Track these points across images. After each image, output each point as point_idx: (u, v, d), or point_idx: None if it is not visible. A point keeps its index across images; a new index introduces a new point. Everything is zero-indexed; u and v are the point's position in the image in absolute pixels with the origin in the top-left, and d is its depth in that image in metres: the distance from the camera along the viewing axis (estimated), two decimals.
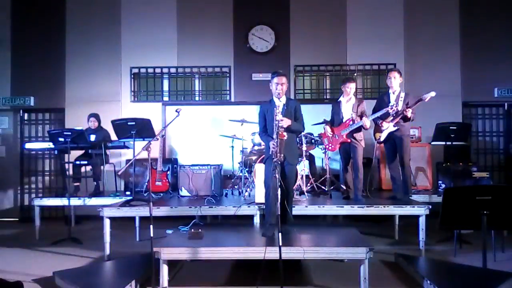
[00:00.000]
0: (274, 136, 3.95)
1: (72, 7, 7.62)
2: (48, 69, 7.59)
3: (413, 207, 4.75)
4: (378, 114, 5.17)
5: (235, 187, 6.16)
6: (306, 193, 5.53)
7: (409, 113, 4.97)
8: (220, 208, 4.93)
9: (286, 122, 4.00)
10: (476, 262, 3.87)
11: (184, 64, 7.53)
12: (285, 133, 3.93)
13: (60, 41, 7.59)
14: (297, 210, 4.70)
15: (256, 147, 6.02)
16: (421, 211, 4.66)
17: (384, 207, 4.81)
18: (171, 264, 3.88)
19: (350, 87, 5.22)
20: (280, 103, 4.16)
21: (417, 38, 7.36)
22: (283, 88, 4.17)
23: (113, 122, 5.44)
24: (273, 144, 3.92)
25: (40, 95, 7.58)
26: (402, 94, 5.21)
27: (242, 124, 6.20)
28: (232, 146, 6.30)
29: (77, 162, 6.38)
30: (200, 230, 4.23)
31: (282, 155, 3.77)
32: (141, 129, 5.32)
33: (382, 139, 5.31)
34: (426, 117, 6.33)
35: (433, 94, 4.90)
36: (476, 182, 5.86)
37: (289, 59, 7.45)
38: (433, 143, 5.96)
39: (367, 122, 5.02)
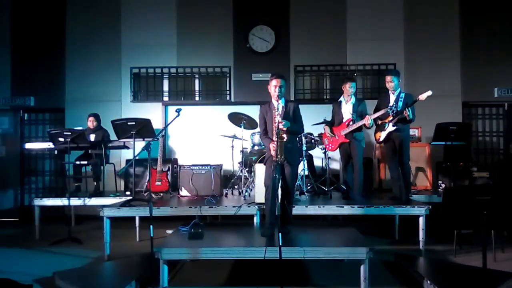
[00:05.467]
0: (274, 138, 3.97)
1: (72, 7, 7.62)
2: (48, 69, 7.60)
3: (413, 207, 4.74)
4: (378, 114, 5.17)
5: (235, 187, 6.16)
6: (306, 193, 5.53)
7: (409, 114, 4.95)
8: (220, 208, 4.93)
9: (285, 125, 4.00)
10: (476, 262, 3.88)
11: (184, 64, 7.53)
12: (284, 135, 3.94)
13: (60, 41, 7.59)
14: (297, 210, 4.69)
15: (256, 147, 6.02)
16: (421, 211, 4.65)
17: (384, 207, 4.81)
18: (171, 264, 3.88)
19: (351, 87, 5.21)
20: (278, 105, 4.17)
21: (417, 38, 7.36)
22: (282, 90, 4.17)
23: (113, 122, 5.44)
24: (273, 146, 3.93)
25: (40, 95, 7.58)
26: (402, 95, 5.20)
27: (242, 124, 6.19)
28: (232, 146, 6.29)
29: (77, 162, 6.39)
30: (200, 230, 4.23)
31: (282, 156, 3.77)
32: (141, 129, 5.32)
33: (382, 139, 5.31)
34: (426, 117, 6.33)
35: (429, 93, 4.90)
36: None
37: (289, 59, 7.45)
38: (433, 143, 5.96)
39: (368, 121, 5.01)
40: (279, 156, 3.74)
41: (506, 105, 7.42)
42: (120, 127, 5.39)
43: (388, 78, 5.20)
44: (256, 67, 7.42)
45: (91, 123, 6.47)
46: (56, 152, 6.40)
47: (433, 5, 7.37)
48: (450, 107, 7.14)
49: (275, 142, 3.90)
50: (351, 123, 5.13)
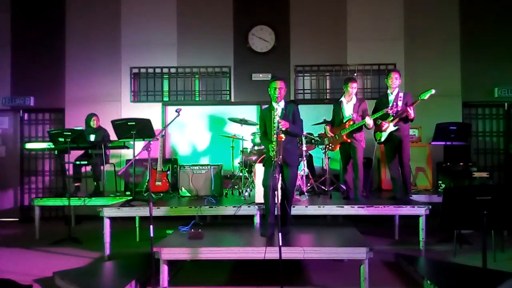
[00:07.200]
0: (273, 139, 3.98)
1: (72, 7, 7.63)
2: (48, 69, 7.60)
3: (413, 207, 4.74)
4: (378, 114, 5.17)
5: (235, 187, 6.16)
6: (306, 193, 5.53)
7: (411, 112, 4.97)
8: (220, 208, 4.93)
9: (285, 125, 4.02)
10: (476, 262, 3.87)
11: (184, 64, 7.53)
12: (283, 135, 3.96)
13: (60, 41, 7.60)
14: (297, 210, 4.70)
15: (256, 147, 6.02)
16: (421, 211, 4.65)
17: (384, 207, 4.81)
18: (171, 264, 3.88)
19: (352, 87, 5.20)
20: (278, 107, 4.19)
21: (417, 38, 7.37)
22: (281, 92, 4.19)
23: (113, 122, 5.44)
24: (272, 146, 3.96)
25: (40, 95, 7.58)
26: (401, 94, 5.21)
27: (242, 124, 6.20)
28: (232, 146, 6.30)
29: (77, 162, 6.39)
30: (200, 230, 4.23)
31: (281, 157, 3.78)
32: (141, 129, 5.32)
33: (382, 139, 5.31)
34: (426, 117, 6.34)
35: (432, 91, 4.91)
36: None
37: (289, 59, 7.46)
38: (433, 143, 5.96)
39: (369, 121, 5.02)
40: (278, 157, 3.75)
41: (506, 105, 7.42)
42: (120, 127, 5.38)
43: (396, 75, 5.21)
44: (256, 67, 7.42)
45: (94, 122, 6.48)
46: (56, 152, 6.40)
47: (433, 5, 7.38)
48: (450, 107, 7.14)
49: (274, 143, 3.92)
50: (351, 123, 5.12)
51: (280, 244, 3.34)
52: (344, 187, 5.51)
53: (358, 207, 4.82)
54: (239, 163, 6.11)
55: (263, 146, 5.76)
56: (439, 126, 5.64)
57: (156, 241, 3.75)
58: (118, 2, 7.58)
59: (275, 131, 3.97)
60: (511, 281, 3.57)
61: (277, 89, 4.17)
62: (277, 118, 4.01)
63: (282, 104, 4.22)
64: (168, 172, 5.90)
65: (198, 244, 3.87)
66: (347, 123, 5.17)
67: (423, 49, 7.34)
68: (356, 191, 5.17)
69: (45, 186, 7.75)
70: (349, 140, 5.17)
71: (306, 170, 5.79)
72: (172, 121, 4.08)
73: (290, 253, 3.66)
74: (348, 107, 5.25)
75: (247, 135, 6.28)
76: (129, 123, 5.31)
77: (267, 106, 4.41)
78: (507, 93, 7.23)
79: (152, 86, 7.59)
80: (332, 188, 5.84)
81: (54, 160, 7.71)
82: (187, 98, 7.59)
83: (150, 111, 7.27)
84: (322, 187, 5.88)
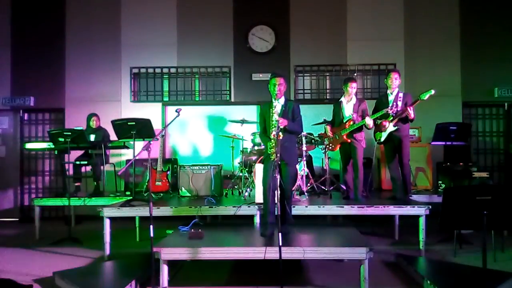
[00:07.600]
0: (272, 136, 3.98)
1: (72, 7, 7.63)
2: (48, 69, 7.60)
3: (413, 207, 4.74)
4: (378, 114, 5.17)
5: (235, 187, 6.16)
6: (306, 193, 5.53)
7: (411, 113, 4.97)
8: (220, 208, 4.93)
9: (283, 123, 4.02)
10: (476, 262, 3.88)
11: (184, 64, 7.53)
12: (280, 133, 3.95)
13: (60, 41, 7.60)
14: (297, 210, 4.70)
15: (256, 147, 6.02)
16: (421, 211, 4.65)
17: (384, 207, 4.80)
18: (171, 264, 3.88)
19: (352, 87, 5.20)
20: (278, 104, 4.18)
21: (417, 38, 7.37)
22: (281, 89, 4.19)
23: (113, 122, 5.44)
24: (271, 145, 3.96)
25: (40, 95, 7.58)
26: (401, 94, 5.21)
27: (242, 124, 6.20)
28: (232, 146, 6.30)
29: (77, 162, 6.39)
30: (200, 230, 4.23)
31: (279, 155, 3.78)
32: (141, 129, 5.32)
33: (382, 139, 5.31)
34: (426, 117, 6.35)
35: (432, 92, 4.92)
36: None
37: (289, 59, 7.46)
38: (433, 143, 5.96)
39: (369, 121, 5.02)
40: (276, 155, 3.75)
41: (506, 105, 7.42)
42: (120, 127, 5.38)
43: (396, 75, 5.22)
44: (256, 67, 7.42)
45: (94, 122, 6.49)
46: (56, 152, 6.40)
47: (433, 5, 7.38)
48: (450, 107, 7.15)
49: (273, 141, 3.92)
50: (351, 123, 5.11)
51: (280, 244, 3.34)
52: (344, 187, 5.51)
53: (358, 207, 4.82)
54: (239, 163, 6.11)
55: (263, 146, 5.76)
56: (439, 126, 5.65)
57: (156, 241, 3.74)
58: (118, 2, 7.58)
59: (273, 129, 3.97)
60: (511, 281, 3.57)
61: (276, 86, 4.17)
62: (275, 116, 4.01)
63: (282, 101, 4.22)
64: (168, 172, 5.90)
65: (198, 244, 3.87)
66: (347, 123, 5.17)
67: (423, 49, 7.34)
68: (356, 191, 5.17)
69: (45, 186, 7.75)
70: (349, 140, 5.17)
71: (306, 170, 5.79)
72: (172, 121, 4.08)
73: (290, 253, 3.66)
74: (348, 107, 5.25)
75: (247, 135, 6.28)
76: (129, 123, 5.31)
77: (267, 102, 4.39)
78: (507, 93, 7.23)
79: (152, 86, 7.59)
80: (332, 188, 5.84)
81: (54, 160, 7.71)
82: (187, 98, 7.59)
83: (150, 111, 7.27)
84: (322, 187, 5.88)
